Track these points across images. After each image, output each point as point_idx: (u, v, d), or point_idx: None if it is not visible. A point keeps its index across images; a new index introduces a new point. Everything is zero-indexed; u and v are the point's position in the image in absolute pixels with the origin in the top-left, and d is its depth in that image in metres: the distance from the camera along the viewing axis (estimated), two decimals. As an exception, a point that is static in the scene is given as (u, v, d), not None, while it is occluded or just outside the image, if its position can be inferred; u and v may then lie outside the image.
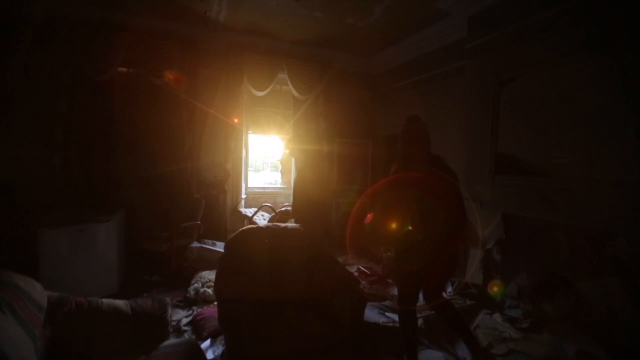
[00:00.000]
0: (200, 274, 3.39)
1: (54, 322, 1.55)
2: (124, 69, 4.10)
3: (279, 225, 2.65)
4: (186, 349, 1.73)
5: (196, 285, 3.23)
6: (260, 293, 2.24)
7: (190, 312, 2.90)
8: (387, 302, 3.03)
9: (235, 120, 4.49)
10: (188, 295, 3.15)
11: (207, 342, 2.42)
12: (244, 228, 2.59)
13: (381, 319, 2.58)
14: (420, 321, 2.64)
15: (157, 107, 4.25)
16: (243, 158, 4.85)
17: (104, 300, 1.77)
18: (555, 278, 2.59)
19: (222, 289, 2.02)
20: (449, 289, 3.23)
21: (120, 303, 1.80)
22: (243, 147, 4.86)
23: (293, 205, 3.13)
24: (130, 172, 4.12)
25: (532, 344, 2.38)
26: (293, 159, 3.16)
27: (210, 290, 3.10)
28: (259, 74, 4.66)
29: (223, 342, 2.32)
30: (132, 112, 4.17)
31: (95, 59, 3.72)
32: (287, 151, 3.13)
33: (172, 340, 1.84)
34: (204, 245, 3.82)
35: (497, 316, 2.77)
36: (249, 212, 4.50)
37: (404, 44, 4.62)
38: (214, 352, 2.30)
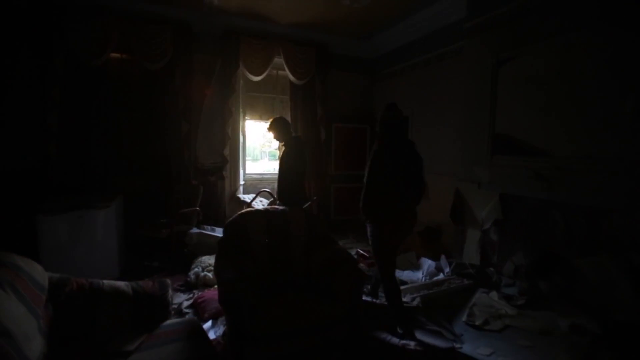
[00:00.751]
0: (200, 259, 3.42)
1: (56, 301, 1.56)
2: (117, 55, 4.03)
3: (277, 208, 2.66)
4: (187, 327, 1.76)
5: (196, 269, 3.26)
6: (260, 273, 2.27)
7: (191, 295, 2.94)
8: (385, 283, 3.07)
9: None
10: (189, 279, 3.18)
11: (209, 323, 2.46)
12: (243, 211, 2.60)
13: (378, 300, 2.61)
14: (417, 300, 2.69)
15: (152, 93, 4.21)
16: (240, 144, 4.83)
17: (105, 281, 1.79)
18: (551, 256, 2.63)
19: (222, 269, 2.04)
20: (447, 269, 3.28)
21: (121, 284, 1.82)
22: (240, 133, 4.83)
23: (278, 191, 3.11)
24: (127, 159, 4.11)
25: (527, 319, 2.43)
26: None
27: (210, 274, 3.13)
28: (254, 58, 4.59)
29: (224, 322, 2.36)
30: (128, 99, 4.13)
31: (87, 44, 3.65)
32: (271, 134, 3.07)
33: (173, 320, 1.86)
34: (203, 231, 3.84)
35: (493, 294, 2.81)
36: (247, 198, 4.51)
37: (402, 25, 4.55)
38: (215, 333, 2.34)
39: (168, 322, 1.81)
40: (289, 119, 5.04)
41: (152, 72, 4.08)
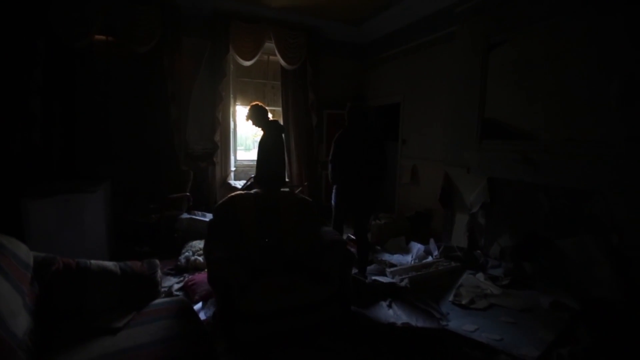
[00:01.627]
0: (191, 243, 3.42)
1: (41, 280, 1.55)
2: (102, 37, 3.92)
3: (267, 192, 2.65)
4: (177, 306, 1.76)
5: (187, 254, 3.26)
6: (250, 255, 2.28)
7: (181, 278, 2.94)
8: (373, 266, 3.12)
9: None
10: (179, 263, 3.18)
11: (199, 305, 2.48)
12: (233, 194, 2.60)
13: (368, 280, 2.66)
14: (406, 281, 2.74)
15: (140, 77, 4.11)
16: (232, 130, 4.78)
17: (93, 261, 1.78)
18: (536, 238, 2.70)
19: (211, 249, 2.05)
20: (435, 253, 3.34)
21: (109, 264, 1.81)
22: (231, 118, 4.78)
23: (255, 175, 3.11)
24: (115, 144, 4.03)
25: (510, 298, 2.50)
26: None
27: (201, 258, 3.14)
28: (245, 42, 4.51)
29: (214, 304, 2.37)
30: (115, 83, 4.02)
31: (69, 25, 3.53)
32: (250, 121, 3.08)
33: (163, 299, 1.87)
34: (193, 216, 3.83)
35: (480, 275, 2.88)
36: (238, 184, 4.50)
37: (393, 10, 4.50)
38: (205, 314, 2.36)
39: (158, 300, 1.82)
40: (279, 104, 5.02)
41: (139, 55, 3.98)
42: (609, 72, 2.27)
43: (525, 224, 2.82)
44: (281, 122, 4.93)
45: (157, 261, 1.96)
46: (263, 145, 2.98)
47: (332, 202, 3.00)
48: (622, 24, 2.20)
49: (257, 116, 3.03)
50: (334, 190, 2.97)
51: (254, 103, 3.16)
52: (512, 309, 2.38)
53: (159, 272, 1.93)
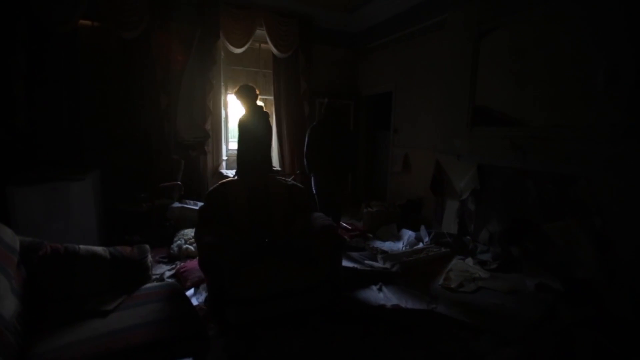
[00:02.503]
0: (183, 232, 3.41)
1: (28, 264, 1.54)
2: (88, 22, 3.81)
3: (260, 178, 2.65)
4: (168, 289, 1.77)
5: (179, 242, 3.25)
6: (241, 240, 2.28)
7: (173, 266, 2.94)
8: (365, 252, 3.16)
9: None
10: (171, 251, 3.18)
11: (191, 291, 2.48)
12: (224, 180, 2.59)
13: (358, 266, 2.69)
14: (397, 266, 2.78)
15: (128, 64, 4.02)
16: (223, 119, 4.72)
17: (82, 246, 1.76)
18: (523, 222, 2.75)
19: (202, 235, 2.05)
20: (426, 239, 3.39)
21: (98, 249, 1.80)
22: (222, 107, 4.72)
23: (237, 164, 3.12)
24: (104, 132, 3.96)
25: (498, 281, 2.56)
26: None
27: (192, 247, 3.13)
28: (236, 29, 4.44)
29: (206, 289, 2.38)
30: (103, 70, 3.93)
31: (51, 7, 3.41)
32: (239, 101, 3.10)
33: (154, 283, 1.87)
34: (185, 205, 3.80)
35: (469, 260, 2.94)
36: (230, 173, 4.47)
37: (386, -4, 4.46)
38: (197, 300, 2.37)
39: (148, 285, 1.82)
40: (271, 93, 4.97)
41: (127, 41, 3.89)
42: (597, 58, 2.30)
43: (513, 210, 2.87)
44: (273, 111, 4.92)
45: (147, 246, 1.96)
46: (240, 124, 2.99)
47: (314, 190, 3.31)
48: (610, 12, 2.22)
49: (243, 94, 3.04)
50: (312, 180, 3.31)
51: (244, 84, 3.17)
52: (499, 292, 2.43)
53: (150, 257, 1.93)
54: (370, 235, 3.77)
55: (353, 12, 5.07)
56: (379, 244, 3.52)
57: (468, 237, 3.27)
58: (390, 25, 4.69)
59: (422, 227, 3.53)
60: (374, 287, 2.40)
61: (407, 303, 2.19)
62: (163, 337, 1.39)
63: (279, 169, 4.89)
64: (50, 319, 1.46)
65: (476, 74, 3.15)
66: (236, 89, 3.12)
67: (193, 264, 2.75)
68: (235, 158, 4.89)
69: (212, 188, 2.50)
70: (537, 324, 2.01)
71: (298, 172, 4.80)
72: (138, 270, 1.83)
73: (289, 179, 3.08)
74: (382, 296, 2.27)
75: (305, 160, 3.29)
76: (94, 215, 3.25)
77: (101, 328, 1.40)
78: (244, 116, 3.03)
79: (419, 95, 4.27)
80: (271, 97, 4.99)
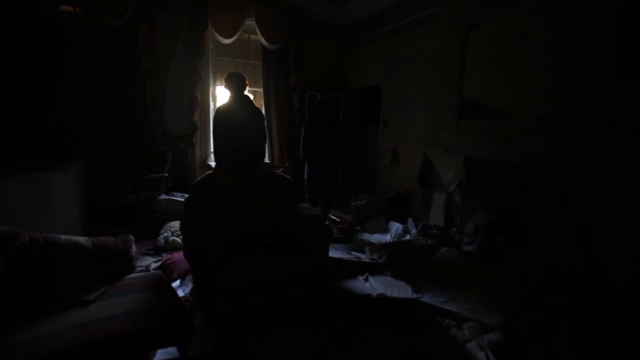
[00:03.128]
0: (170, 224, 3.37)
1: (5, 253, 1.50)
2: (69, 8, 3.69)
3: (247, 169, 2.63)
4: (152, 279, 1.75)
5: (166, 234, 3.22)
6: (228, 231, 2.27)
7: (159, 258, 2.91)
8: (354, 244, 3.18)
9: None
10: (158, 243, 3.14)
11: (177, 283, 2.47)
12: (210, 172, 2.56)
13: (345, 257, 2.70)
14: (384, 257, 2.81)
15: (113, 53, 3.91)
16: (211, 110, 4.66)
17: (62, 236, 1.73)
18: (507, 214, 2.81)
19: (187, 224, 2.02)
20: (413, 231, 3.43)
21: (80, 238, 1.76)
22: (211, 99, 4.65)
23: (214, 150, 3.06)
24: (87, 123, 3.86)
25: (482, 271, 2.61)
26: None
27: (179, 239, 3.10)
28: (225, 19, 4.37)
29: (192, 280, 2.36)
30: (86, 58, 3.82)
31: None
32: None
33: (138, 273, 1.85)
34: (172, 198, 3.76)
35: (454, 251, 2.99)
36: (219, 165, 4.42)
37: (377, -11, 4.44)
38: (183, 291, 2.35)
39: (132, 275, 1.80)
40: (260, 85, 4.92)
41: (111, 29, 3.78)
42: (579, 53, 2.34)
43: (498, 201, 2.92)
44: (262, 104, 4.87)
45: (131, 236, 1.93)
46: (217, 113, 2.95)
47: (305, 176, 3.57)
48: (591, 8, 2.25)
49: (231, 82, 2.95)
50: (306, 167, 3.55)
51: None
52: (483, 281, 2.48)
53: (134, 247, 1.91)
54: (359, 228, 3.80)
55: (343, 5, 5.03)
56: (367, 236, 3.55)
57: (454, 229, 3.32)
58: (380, 18, 4.68)
59: (410, 220, 3.57)
60: (361, 278, 2.42)
61: (392, 292, 2.21)
62: (145, 326, 1.38)
63: (268, 161, 4.87)
64: (30, 309, 1.43)
65: (464, 68, 3.18)
66: (225, 76, 3.06)
67: (179, 255, 2.72)
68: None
69: (198, 178, 2.48)
70: (519, 311, 2.06)
71: (287, 164, 4.79)
72: (121, 261, 1.81)
73: (278, 172, 3.07)
74: (368, 286, 2.30)
75: (301, 150, 3.54)
76: (78, 207, 3.18)
77: (82, 318, 1.39)
78: (224, 105, 2.94)
79: (408, 89, 4.29)
80: (260, 90, 4.94)
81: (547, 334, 1.86)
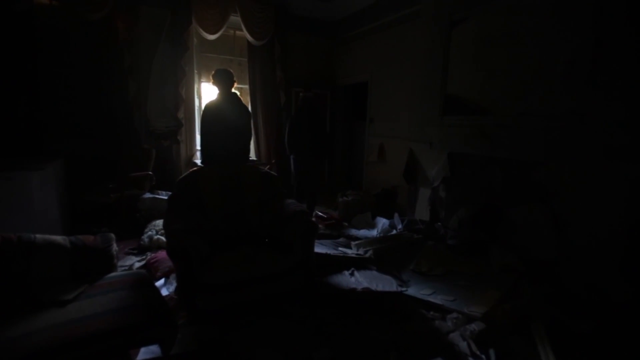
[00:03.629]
0: (154, 223, 3.31)
1: (-23, 253, 1.45)
2: (45, 1, 3.57)
3: (232, 166, 2.60)
4: (134, 278, 1.72)
5: (150, 233, 3.17)
6: (213, 228, 2.25)
7: (143, 257, 2.86)
8: (340, 240, 3.19)
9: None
10: (142, 242, 3.09)
11: (161, 281, 2.44)
12: (195, 168, 2.53)
13: (332, 252, 2.72)
14: (370, 252, 2.83)
15: (94, 47, 3.81)
16: (197, 107, 4.59)
17: (38, 235, 1.68)
18: (490, 208, 2.86)
19: (170, 222, 2.00)
20: (399, 226, 3.46)
21: (57, 238, 1.72)
22: (196, 95, 4.59)
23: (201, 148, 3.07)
24: (67, 120, 3.76)
25: (466, 264, 2.66)
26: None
27: (164, 237, 3.05)
28: (209, 14, 4.30)
29: (176, 278, 2.33)
30: (63, 53, 3.71)
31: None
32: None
33: (119, 272, 1.82)
34: (157, 196, 3.69)
35: (439, 246, 3.03)
36: (205, 163, 4.36)
37: (362, -14, 4.45)
38: (168, 290, 2.32)
39: (113, 273, 1.76)
40: (246, 82, 4.87)
41: (91, 23, 3.68)
42: (557, 49, 2.39)
43: (481, 195, 2.98)
44: (249, 100, 4.83)
45: (112, 234, 1.89)
46: (205, 110, 2.92)
47: (292, 170, 3.74)
48: (568, 6, 2.31)
49: (219, 78, 2.92)
50: (292, 160, 3.73)
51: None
52: (466, 273, 2.53)
53: (114, 246, 1.87)
54: (346, 224, 3.82)
55: (329, 1, 5.02)
56: (354, 232, 3.57)
57: (439, 224, 3.37)
58: (366, 14, 4.69)
59: (396, 215, 3.61)
60: (346, 272, 2.44)
61: (377, 286, 2.23)
62: (125, 324, 1.36)
63: (255, 158, 4.84)
64: (4, 310, 1.39)
65: (448, 64, 3.22)
66: (213, 73, 3.02)
67: (164, 254, 2.68)
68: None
69: (183, 175, 2.44)
70: (500, 301, 2.11)
71: (274, 161, 4.76)
72: (101, 259, 1.77)
73: (264, 168, 3.06)
74: (353, 280, 2.31)
75: (286, 144, 3.71)
76: (58, 206, 3.10)
77: (59, 317, 1.35)
78: (212, 102, 2.93)
79: (394, 85, 4.32)
80: (246, 86, 4.89)
81: (526, 323, 1.91)
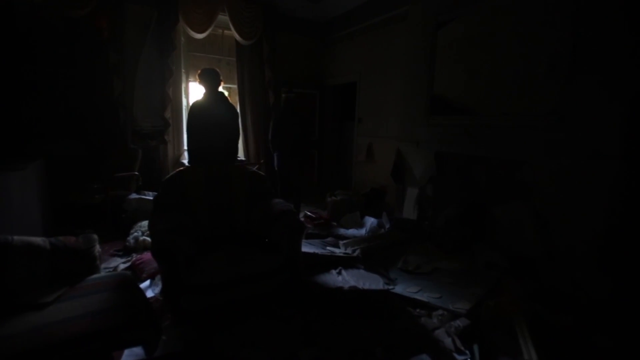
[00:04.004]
0: (140, 223, 3.27)
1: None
2: (26, -3, 3.47)
3: (220, 166, 2.58)
4: (117, 279, 1.69)
5: (136, 234, 3.12)
6: (200, 228, 2.23)
7: (129, 259, 2.82)
8: (329, 239, 3.20)
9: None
10: (127, 244, 3.04)
11: (147, 283, 2.40)
12: (181, 168, 2.50)
13: (319, 251, 2.72)
14: (357, 251, 2.85)
15: (76, 45, 3.73)
16: (184, 107, 4.54)
17: (16, 237, 1.63)
18: (475, 206, 2.91)
19: (155, 222, 1.97)
20: (387, 225, 3.49)
21: (36, 239, 1.68)
22: (183, 95, 4.53)
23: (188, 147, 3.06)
24: (49, 119, 3.66)
25: (452, 262, 2.70)
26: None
27: (150, 239, 3.01)
28: (197, 13, 4.26)
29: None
30: (45, 50, 3.62)
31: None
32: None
33: (102, 274, 1.78)
34: (143, 197, 3.64)
35: (426, 244, 3.07)
36: (192, 163, 4.32)
37: (351, -14, 4.47)
38: (153, 291, 2.29)
39: (96, 275, 1.73)
40: (235, 81, 4.84)
41: (75, 21, 3.60)
42: (538, 52, 2.45)
43: (467, 194, 3.03)
44: (237, 101, 4.80)
45: (95, 235, 1.86)
46: (192, 109, 2.91)
47: (276, 167, 3.91)
48: (548, 9, 2.37)
49: (205, 78, 2.91)
50: (275, 158, 3.88)
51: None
52: (452, 271, 2.57)
53: (97, 247, 1.84)
54: (335, 223, 3.83)
55: (318, 2, 5.02)
56: (342, 232, 3.58)
57: (426, 222, 3.41)
58: (355, 15, 4.72)
59: (384, 214, 3.64)
60: (334, 272, 2.44)
61: (364, 285, 2.25)
62: (106, 326, 1.33)
63: (244, 158, 4.81)
64: (-22, 314, 1.35)
65: (434, 65, 3.26)
66: (198, 72, 3.00)
67: (149, 255, 2.64)
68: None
69: (169, 175, 2.41)
70: (484, 298, 2.15)
71: (262, 161, 4.75)
72: (83, 261, 1.74)
73: (252, 168, 3.05)
74: (340, 279, 2.32)
75: (270, 143, 3.88)
76: (39, 208, 3.02)
77: (37, 321, 1.32)
78: (199, 101, 2.91)
79: (382, 86, 4.35)
80: (235, 86, 4.86)
81: (509, 318, 1.95)
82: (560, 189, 2.34)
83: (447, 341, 1.84)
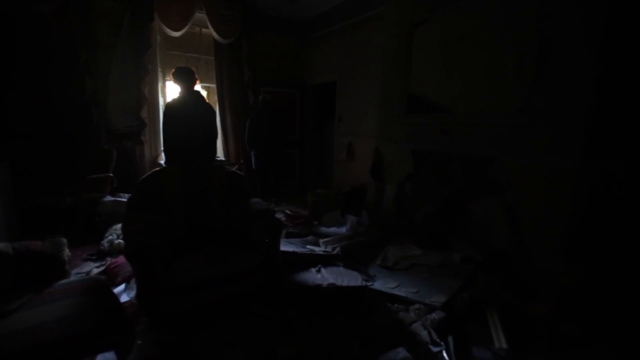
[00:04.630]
0: (115, 227, 3.17)
1: None
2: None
3: (197, 166, 2.54)
4: (87, 284, 1.64)
5: (111, 237, 3.03)
6: (176, 229, 2.19)
7: (103, 263, 2.73)
8: (309, 238, 3.21)
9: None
10: (102, 247, 2.95)
11: (122, 287, 2.34)
12: (156, 169, 2.45)
13: (300, 250, 2.73)
14: (337, 249, 2.87)
15: (45, 42, 3.57)
16: (161, 106, 4.43)
17: (-24, 243, 1.56)
18: (452, 202, 2.99)
19: (129, 224, 1.92)
20: (367, 223, 3.54)
21: (-2, 244, 1.60)
22: (160, 94, 4.43)
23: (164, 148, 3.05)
24: (14, 119, 3.49)
25: (429, 257, 2.77)
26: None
27: (126, 241, 2.93)
28: (172, 11, 4.17)
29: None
30: (10, 46, 3.44)
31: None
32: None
33: (71, 279, 1.73)
34: (118, 199, 3.53)
35: (405, 240, 3.13)
36: (170, 164, 4.22)
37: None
38: (128, 295, 2.24)
39: (64, 280, 1.67)
40: (214, 81, 4.77)
41: (42, 14, 3.45)
42: (508, 51, 2.54)
43: (443, 191, 3.11)
44: (216, 100, 4.73)
45: (64, 239, 1.80)
46: (167, 109, 2.88)
47: (253, 166, 4.25)
48: (518, 10, 2.47)
49: (180, 76, 2.88)
50: (252, 157, 4.26)
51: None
52: (430, 266, 2.64)
53: (66, 251, 1.78)
54: (315, 222, 3.84)
55: (298, 1, 5.02)
56: (323, 230, 3.60)
57: (405, 219, 3.47)
58: (334, 15, 4.75)
59: (364, 212, 3.68)
60: (313, 270, 2.45)
61: (343, 282, 2.27)
62: (75, 332, 1.29)
63: (223, 158, 4.75)
64: None
65: (410, 64, 3.33)
66: (173, 71, 2.95)
67: (124, 258, 2.57)
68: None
69: (144, 176, 2.35)
70: (459, 290, 2.22)
71: (242, 161, 4.70)
72: (51, 266, 1.68)
73: (230, 168, 3.02)
74: (319, 277, 2.33)
75: (246, 142, 4.24)
76: (2, 212, 2.88)
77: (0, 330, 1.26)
78: (174, 101, 2.87)
79: (361, 85, 4.40)
80: (214, 85, 4.79)
81: (481, 309, 2.02)
82: (529, 184, 2.44)
83: (424, 334, 1.88)
